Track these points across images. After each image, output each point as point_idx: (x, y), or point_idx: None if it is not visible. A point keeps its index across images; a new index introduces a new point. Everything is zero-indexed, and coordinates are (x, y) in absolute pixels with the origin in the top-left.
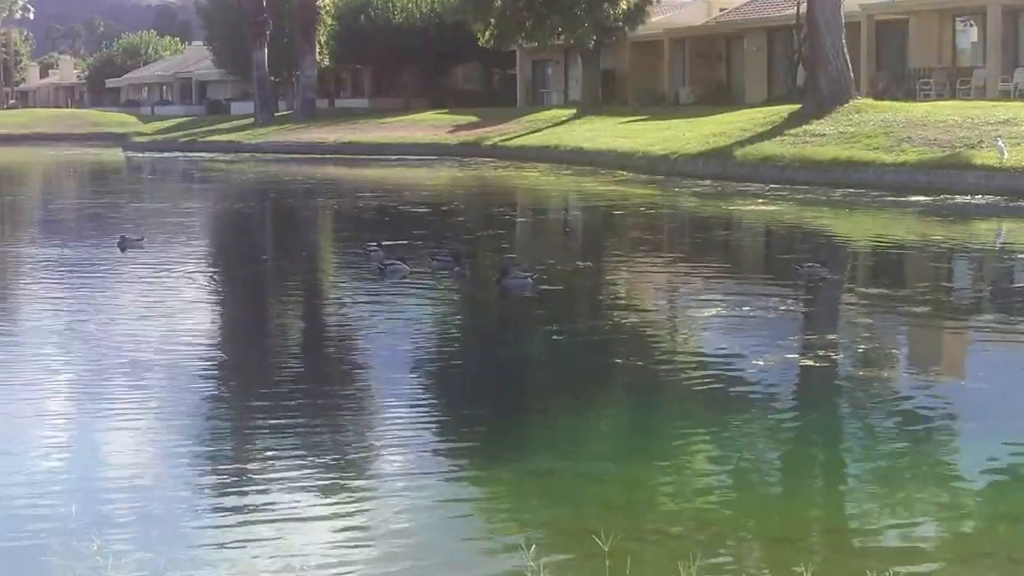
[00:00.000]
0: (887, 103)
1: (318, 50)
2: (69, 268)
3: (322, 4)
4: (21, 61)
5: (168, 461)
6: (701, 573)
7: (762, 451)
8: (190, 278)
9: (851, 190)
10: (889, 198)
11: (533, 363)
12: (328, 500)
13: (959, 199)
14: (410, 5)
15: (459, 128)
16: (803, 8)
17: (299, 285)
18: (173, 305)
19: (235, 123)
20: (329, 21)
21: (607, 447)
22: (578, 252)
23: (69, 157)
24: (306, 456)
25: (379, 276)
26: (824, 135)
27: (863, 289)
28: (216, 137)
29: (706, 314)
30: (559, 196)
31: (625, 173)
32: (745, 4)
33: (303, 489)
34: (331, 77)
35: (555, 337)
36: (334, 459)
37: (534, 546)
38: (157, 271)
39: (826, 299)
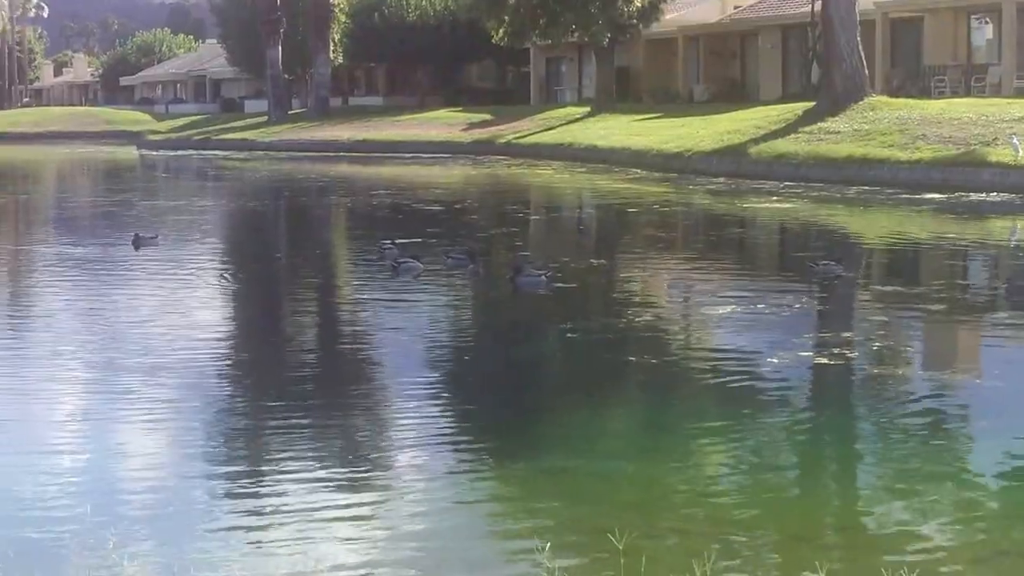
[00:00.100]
0: (902, 100)
1: (332, 48)
2: (83, 266)
3: (336, 2)
4: (35, 59)
5: (184, 459)
6: (716, 571)
7: (777, 449)
8: (204, 276)
9: (866, 187)
10: (904, 195)
11: (547, 361)
12: (343, 499)
13: (974, 196)
14: (424, 3)
15: (473, 126)
16: (818, 5)
17: (313, 283)
18: (187, 303)
19: (249, 121)
20: (343, 19)
21: (621, 445)
22: (592, 250)
23: (83, 155)
24: (320, 455)
25: (393, 274)
26: (839, 132)
27: (878, 287)
28: (230, 135)
29: (720, 312)
30: (573, 194)
31: (639, 171)
32: (759, 1)
33: (318, 488)
34: (345, 75)
35: (569, 335)
36: (348, 458)
37: (549, 544)
38: (171, 269)
39: (841, 297)
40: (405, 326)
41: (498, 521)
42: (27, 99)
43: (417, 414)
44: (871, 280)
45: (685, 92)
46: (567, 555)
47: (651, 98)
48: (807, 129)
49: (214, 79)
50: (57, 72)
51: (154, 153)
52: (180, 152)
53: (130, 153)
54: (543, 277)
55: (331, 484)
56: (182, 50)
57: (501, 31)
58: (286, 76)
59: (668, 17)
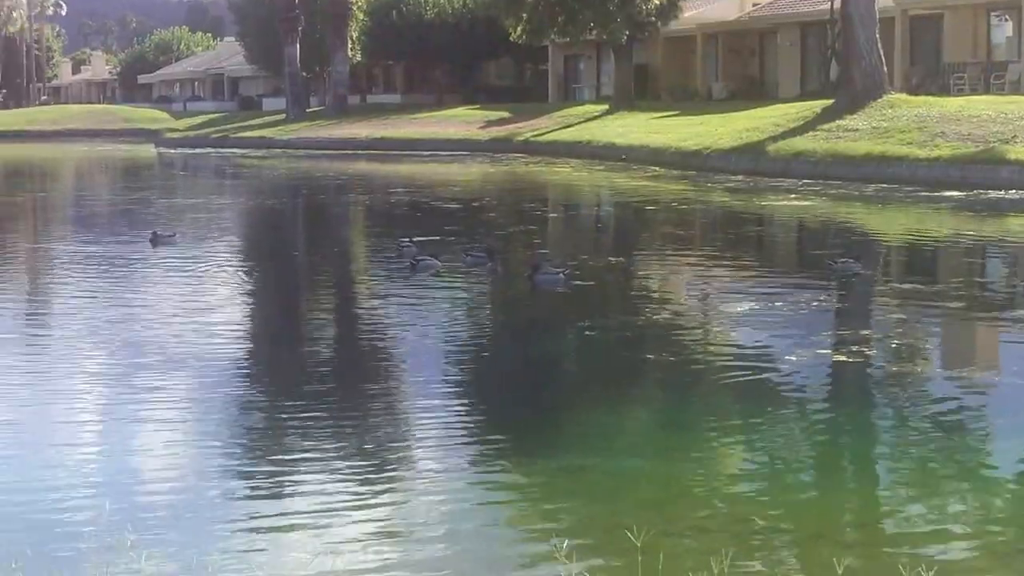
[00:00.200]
0: (921, 98)
1: (350, 46)
2: (101, 264)
3: (354, 0)
4: (53, 57)
5: (203, 457)
6: (734, 569)
7: (795, 447)
8: (222, 274)
9: (884, 185)
10: (922, 193)
11: (565, 359)
12: (361, 496)
13: (992, 194)
14: (442, 0)
15: (491, 124)
16: (837, 3)
17: (331, 281)
18: (205, 301)
19: (267, 119)
20: (361, 17)
21: (639, 443)
22: (610, 248)
23: (101, 153)
24: (338, 452)
25: (411, 272)
26: (857, 130)
27: (896, 285)
28: (248, 133)
29: (739, 310)
30: (591, 192)
31: (657, 169)
32: None
33: (335, 485)
34: (363, 73)
35: (587, 333)
36: (366, 456)
37: (567, 542)
38: (189, 267)
39: (859, 295)
40: (423, 324)
41: (515, 519)
42: (45, 97)
43: (435, 412)
44: (890, 278)
45: (704, 90)
46: (585, 553)
47: (669, 96)
48: (825, 127)
49: (232, 77)
50: (75, 70)
51: (172, 151)
52: (198, 150)
53: (148, 151)
54: (561, 275)
55: (349, 481)
56: (200, 48)
57: (519, 29)
58: (304, 74)
59: (687, 15)
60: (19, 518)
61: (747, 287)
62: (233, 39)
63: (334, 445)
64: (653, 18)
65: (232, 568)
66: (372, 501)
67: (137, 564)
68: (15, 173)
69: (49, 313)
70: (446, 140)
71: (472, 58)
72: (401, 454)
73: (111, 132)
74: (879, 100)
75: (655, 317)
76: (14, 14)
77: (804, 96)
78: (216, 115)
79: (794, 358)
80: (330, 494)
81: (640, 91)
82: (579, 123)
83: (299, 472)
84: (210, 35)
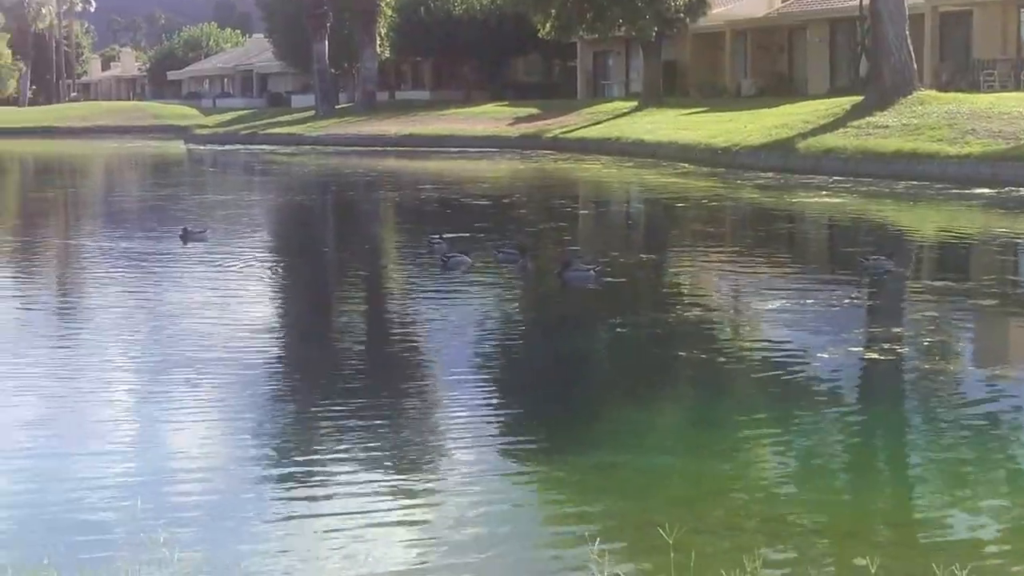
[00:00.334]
0: (951, 95)
1: (378, 42)
2: (132, 260)
3: None
4: (83, 54)
5: (235, 455)
6: (766, 567)
7: (827, 445)
8: (253, 270)
9: (914, 182)
10: (953, 190)
11: (596, 356)
12: (392, 494)
13: None
14: None
15: (519, 120)
16: None
17: (362, 278)
18: (237, 297)
19: (296, 116)
20: (389, 13)
21: (671, 441)
22: (641, 245)
23: (131, 149)
24: (370, 451)
25: (442, 269)
26: (887, 127)
27: (928, 282)
28: (277, 130)
29: (770, 307)
30: (621, 188)
31: (687, 165)
32: None
33: (367, 484)
34: (391, 69)
35: (618, 330)
36: (398, 454)
37: (598, 539)
38: (220, 263)
39: (891, 292)
40: (454, 321)
41: (548, 515)
42: (75, 94)
43: (466, 409)
44: (921, 275)
45: (732, 86)
46: (617, 549)
47: (698, 92)
48: (855, 123)
49: (261, 73)
50: (104, 67)
51: (201, 148)
52: (227, 147)
53: (177, 148)
54: (592, 272)
55: (381, 480)
56: (229, 44)
57: (548, 25)
58: (333, 70)
59: (715, 11)
60: (51, 514)
61: (778, 284)
62: (262, 35)
63: (366, 443)
64: (682, 14)
65: (264, 568)
66: (403, 499)
67: (169, 561)
68: (46, 170)
69: (81, 309)
70: (474, 137)
71: (500, 54)
72: (433, 452)
73: (141, 129)
74: (909, 97)
75: (686, 314)
76: (43, 10)
77: (833, 93)
78: (245, 111)
79: (826, 356)
80: (361, 492)
81: (669, 88)
82: (608, 120)
83: (332, 471)
84: (239, 31)
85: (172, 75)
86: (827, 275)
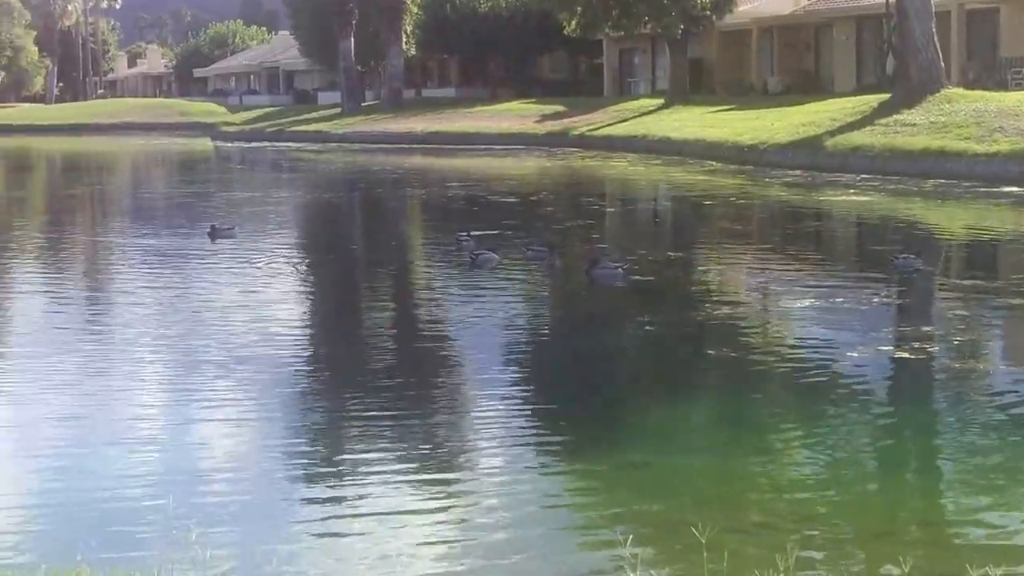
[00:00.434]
0: (978, 93)
1: (404, 40)
2: (160, 257)
3: None
4: (109, 51)
5: (265, 453)
6: (798, 566)
7: (858, 444)
8: (281, 267)
9: (942, 181)
10: (981, 189)
11: (624, 354)
12: (423, 493)
13: None
14: None
15: (545, 118)
16: None
17: (390, 275)
18: (265, 295)
19: (322, 113)
20: (415, 10)
21: (702, 440)
22: (668, 243)
23: (158, 146)
24: (400, 449)
25: (470, 266)
26: (915, 125)
27: (957, 280)
28: (303, 127)
29: (799, 305)
30: (648, 186)
31: (714, 163)
32: None
33: (397, 482)
34: (417, 66)
35: (646, 328)
36: (428, 452)
37: (631, 537)
38: (248, 260)
39: (920, 291)
40: (482, 318)
41: (579, 514)
42: (102, 91)
43: (495, 408)
44: (950, 274)
45: (759, 84)
46: (649, 548)
47: (725, 90)
48: (883, 121)
49: (287, 71)
50: (131, 64)
51: (228, 145)
52: (254, 144)
53: (204, 145)
54: (620, 270)
55: (411, 478)
56: (255, 42)
57: (573, 22)
58: (359, 68)
59: (742, 8)
60: (83, 511)
61: (807, 283)
62: (288, 33)
63: (395, 441)
64: (708, 12)
65: (294, 566)
66: (434, 497)
67: (201, 558)
68: (74, 167)
69: (109, 306)
70: (501, 134)
71: (526, 52)
72: (463, 452)
73: (167, 126)
74: (936, 95)
75: (714, 312)
76: (69, 7)
77: (860, 90)
78: (271, 109)
79: (855, 354)
80: (390, 490)
81: (695, 85)
82: (634, 117)
83: (362, 470)
84: (265, 29)
85: (198, 72)
86: (856, 273)
